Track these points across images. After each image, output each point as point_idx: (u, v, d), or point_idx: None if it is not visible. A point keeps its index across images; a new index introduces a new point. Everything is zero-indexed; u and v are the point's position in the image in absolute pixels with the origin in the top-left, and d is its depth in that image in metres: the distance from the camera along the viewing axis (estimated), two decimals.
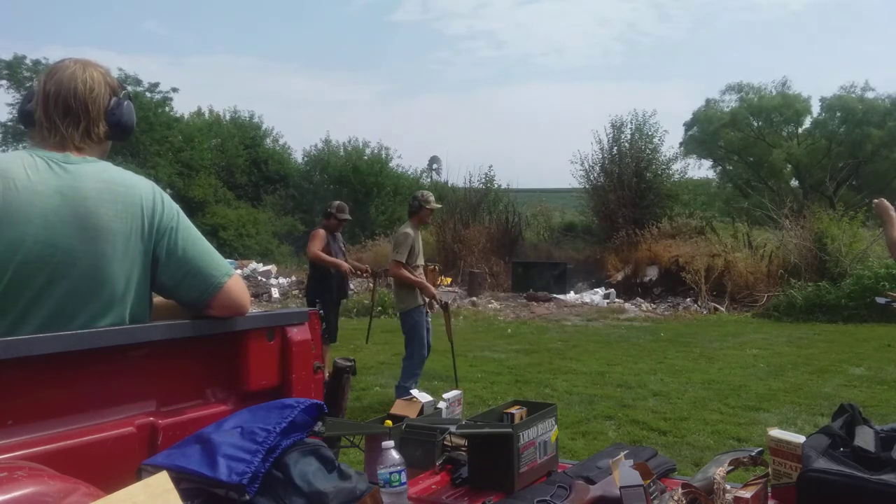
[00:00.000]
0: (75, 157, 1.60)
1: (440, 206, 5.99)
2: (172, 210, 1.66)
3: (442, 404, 2.36)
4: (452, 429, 1.97)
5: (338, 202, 7.11)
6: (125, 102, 1.72)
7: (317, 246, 6.78)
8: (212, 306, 1.65)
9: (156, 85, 27.27)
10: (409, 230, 5.97)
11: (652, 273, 15.88)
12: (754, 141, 31.68)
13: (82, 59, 1.70)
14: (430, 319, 6.13)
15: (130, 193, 1.60)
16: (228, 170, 29.56)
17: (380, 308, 13.38)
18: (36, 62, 24.62)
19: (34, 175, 1.52)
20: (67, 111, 1.63)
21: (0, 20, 49.89)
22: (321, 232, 6.84)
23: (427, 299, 6.00)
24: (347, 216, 6.97)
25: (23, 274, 1.48)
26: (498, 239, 18.94)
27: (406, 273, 5.86)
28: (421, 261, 6.06)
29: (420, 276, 5.98)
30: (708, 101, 33.28)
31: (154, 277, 1.64)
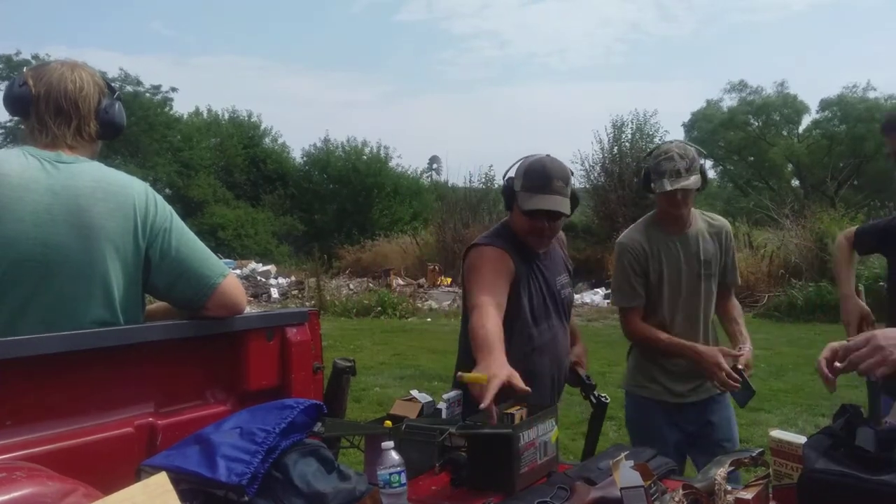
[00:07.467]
0: (67, 157, 1.59)
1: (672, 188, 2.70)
2: (166, 211, 1.65)
3: (442, 405, 2.35)
4: (452, 429, 1.97)
5: (527, 163, 2.36)
6: (117, 102, 1.73)
7: (477, 301, 2.10)
8: (207, 307, 1.64)
9: (157, 87, 27.34)
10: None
11: None
12: (754, 140, 31.70)
13: (69, 61, 1.70)
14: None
15: (123, 193, 1.60)
16: (227, 169, 29.53)
17: (379, 308, 13.35)
18: (35, 56, 24.65)
19: (26, 173, 1.52)
20: (59, 111, 1.63)
21: (4, 20, 49.92)
22: (485, 253, 2.26)
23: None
24: (554, 194, 2.27)
25: (16, 272, 1.48)
26: None
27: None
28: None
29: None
30: (708, 101, 33.42)
31: (147, 279, 1.63)
